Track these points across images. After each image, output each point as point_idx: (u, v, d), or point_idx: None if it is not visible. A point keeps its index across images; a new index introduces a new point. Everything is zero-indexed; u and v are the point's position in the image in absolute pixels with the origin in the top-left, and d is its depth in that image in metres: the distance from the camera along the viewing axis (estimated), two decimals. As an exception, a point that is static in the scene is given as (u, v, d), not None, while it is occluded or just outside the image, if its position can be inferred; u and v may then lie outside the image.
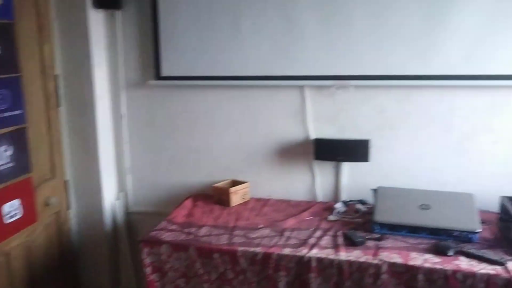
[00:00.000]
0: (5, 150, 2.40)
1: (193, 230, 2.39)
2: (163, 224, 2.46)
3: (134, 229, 3.09)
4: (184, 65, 2.80)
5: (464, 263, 1.97)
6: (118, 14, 2.85)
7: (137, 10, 2.84)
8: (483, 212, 2.40)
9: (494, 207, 2.40)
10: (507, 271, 1.91)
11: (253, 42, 2.67)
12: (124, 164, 3.02)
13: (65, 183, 2.90)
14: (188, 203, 2.76)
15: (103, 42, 2.88)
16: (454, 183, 2.56)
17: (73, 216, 2.96)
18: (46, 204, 2.71)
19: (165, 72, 2.83)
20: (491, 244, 2.15)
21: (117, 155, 3.02)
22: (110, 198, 2.99)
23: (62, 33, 2.75)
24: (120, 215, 3.03)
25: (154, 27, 2.78)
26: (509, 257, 2.00)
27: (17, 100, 2.46)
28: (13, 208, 2.46)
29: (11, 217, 2.45)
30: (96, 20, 2.81)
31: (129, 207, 3.08)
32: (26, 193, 2.54)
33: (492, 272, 1.90)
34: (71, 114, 2.85)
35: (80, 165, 2.90)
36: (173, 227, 2.43)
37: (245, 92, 2.78)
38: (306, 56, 2.62)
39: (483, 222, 2.27)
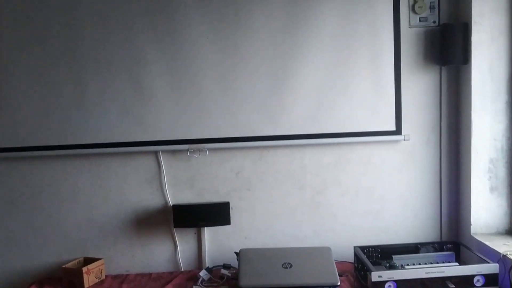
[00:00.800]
0: None
1: (37, 324, 2.06)
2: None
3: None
4: (23, 135, 2.51)
5: (328, 320, 2.00)
6: None
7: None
8: (340, 262, 2.51)
9: (350, 257, 2.51)
10: (367, 321, 1.97)
11: (101, 108, 2.52)
12: None
13: None
14: (32, 291, 2.40)
15: None
16: (312, 236, 2.65)
17: None
18: None
19: (-1, 143, 2.51)
20: (350, 295, 2.23)
21: None
22: None
23: None
24: None
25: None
26: (367, 307, 2.08)
27: None
28: None
29: None
30: None
31: (-47, 305, 2.58)
32: None
33: (354, 324, 1.95)
34: None
35: None
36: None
37: (94, 161, 2.58)
38: (159, 121, 2.55)
39: (341, 273, 2.37)
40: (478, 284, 2.16)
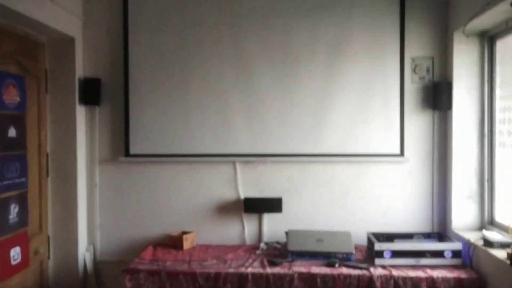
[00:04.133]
0: (14, 208, 3.19)
1: (160, 263, 3.29)
2: (136, 260, 3.34)
3: (101, 275, 3.85)
4: (147, 146, 3.82)
5: (344, 270, 3.12)
6: (97, 108, 3.84)
7: (111, 105, 3.86)
8: (357, 245, 3.60)
9: (365, 243, 3.61)
10: (370, 272, 3.08)
11: (200, 132, 3.79)
12: (94, 222, 3.84)
13: (48, 237, 3.64)
14: (150, 248, 3.65)
15: (84, 129, 3.82)
16: (338, 226, 3.76)
17: (51, 265, 3.67)
18: (35, 253, 3.43)
19: (132, 151, 3.83)
20: (361, 260, 3.34)
21: (89, 215, 3.84)
22: (82, 250, 3.76)
23: (54, 122, 3.67)
24: (89, 264, 3.78)
25: (126, 117, 3.81)
26: (371, 266, 3.18)
27: (23, 171, 3.30)
28: (16, 253, 3.19)
29: (14, 260, 3.17)
30: (80, 112, 3.78)
31: (97, 257, 3.86)
32: (24, 243, 3.28)
33: (360, 273, 3.07)
34: (56, 183, 3.68)
35: (60, 223, 3.68)
36: (144, 262, 3.32)
37: (193, 166, 3.85)
38: (237, 141, 3.80)
39: (356, 248, 3.48)
40: (447, 256, 3.22)
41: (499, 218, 3.40)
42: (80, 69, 3.78)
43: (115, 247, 3.88)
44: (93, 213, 3.85)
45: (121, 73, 3.82)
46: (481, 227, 3.54)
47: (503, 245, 2.94)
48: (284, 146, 3.79)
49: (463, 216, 3.58)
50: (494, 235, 3.14)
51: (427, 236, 3.57)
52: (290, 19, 3.76)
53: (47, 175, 3.64)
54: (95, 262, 3.86)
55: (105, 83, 3.83)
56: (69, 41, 3.68)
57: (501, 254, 2.86)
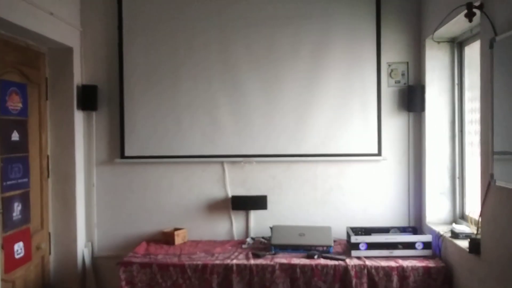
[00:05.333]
0: (18, 206, 3.46)
1: (152, 256, 3.55)
2: (130, 254, 3.60)
3: (99, 270, 4.10)
4: (141, 148, 4.08)
5: (322, 261, 3.37)
6: (94, 113, 4.11)
7: (107, 110, 4.13)
8: (338, 239, 3.84)
9: (344, 235, 3.85)
10: (346, 263, 3.32)
11: (190, 133, 4.05)
12: (92, 220, 4.10)
13: (49, 234, 3.91)
14: (144, 244, 3.90)
15: (82, 133, 4.09)
16: (321, 221, 4.00)
17: (52, 260, 3.93)
18: (38, 248, 3.69)
19: (127, 153, 4.09)
20: (340, 252, 3.58)
21: (87, 213, 4.11)
22: (81, 246, 4.02)
23: (54, 126, 3.94)
24: (87, 259, 4.04)
25: (121, 121, 4.07)
26: (348, 257, 3.42)
27: (25, 172, 3.57)
28: (19, 248, 3.45)
29: (18, 254, 3.43)
30: (78, 117, 4.04)
31: (94, 253, 4.11)
32: (26, 238, 3.54)
33: (337, 264, 3.31)
34: (56, 183, 3.94)
35: (60, 221, 3.94)
36: (138, 255, 3.57)
37: (184, 166, 4.11)
38: (225, 142, 4.05)
39: (336, 242, 3.73)
40: (418, 248, 3.46)
41: (469, 212, 3.63)
42: (78, 77, 4.04)
43: (112, 243, 4.13)
44: (91, 212, 4.11)
45: (116, 80, 4.09)
46: (453, 221, 3.77)
47: (467, 236, 3.17)
48: (269, 147, 4.04)
49: (437, 211, 3.82)
50: (462, 228, 3.38)
51: (402, 230, 3.81)
52: (274, 27, 4.02)
53: (48, 176, 3.91)
54: (93, 257, 4.11)
55: (101, 89, 4.10)
56: (67, 51, 3.94)
57: (464, 244, 3.09)
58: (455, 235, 3.29)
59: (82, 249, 4.04)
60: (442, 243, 3.41)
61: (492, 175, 2.62)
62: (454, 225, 3.51)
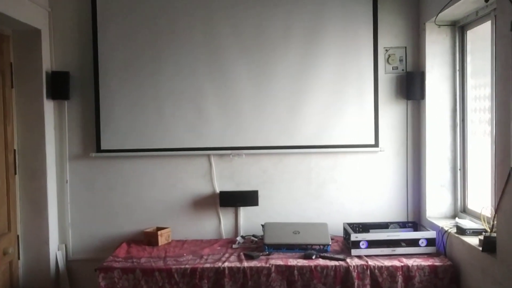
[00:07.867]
0: (-20, 207, 3.07)
1: (134, 260, 3.23)
2: (110, 258, 3.26)
3: (74, 274, 3.75)
4: (119, 141, 3.73)
5: (321, 262, 3.12)
6: (66, 102, 3.73)
7: (81, 99, 3.75)
8: (334, 236, 3.60)
9: (341, 233, 3.62)
10: (347, 263, 3.08)
11: (173, 125, 3.71)
12: (66, 220, 3.74)
13: (17, 237, 3.53)
14: (124, 245, 3.57)
15: (52, 124, 3.70)
16: (314, 217, 3.75)
17: (21, 266, 3.56)
18: (5, 254, 3.31)
19: (104, 146, 3.72)
20: (338, 251, 3.34)
21: (59, 213, 3.74)
22: (54, 249, 3.66)
23: (21, 117, 3.54)
24: (61, 263, 3.68)
25: (96, 112, 3.70)
26: (348, 256, 3.19)
27: (-11, 168, 3.18)
28: (-17, 255, 3.07)
29: (-18, 261, 3.06)
30: (48, 107, 3.65)
31: (69, 256, 3.76)
32: (-9, 243, 3.17)
33: (337, 264, 3.07)
34: (24, 180, 3.56)
35: (30, 222, 3.56)
36: (118, 259, 3.24)
37: (167, 160, 3.78)
38: (212, 134, 3.73)
39: (333, 240, 3.49)
40: (422, 245, 3.26)
41: (471, 205, 3.45)
42: (48, 62, 3.65)
43: (88, 245, 3.78)
44: (64, 211, 3.75)
45: (90, 66, 3.70)
46: (454, 215, 3.59)
47: (475, 232, 2.98)
48: (260, 138, 3.75)
49: (437, 204, 3.62)
50: (466, 223, 3.19)
51: (402, 225, 3.60)
52: (264, 9, 3.70)
53: (15, 173, 3.52)
54: (67, 261, 3.75)
55: (73, 76, 3.71)
56: (35, 33, 3.54)
57: (473, 241, 2.90)
58: (461, 231, 3.09)
59: (55, 252, 3.67)
60: (447, 240, 3.21)
61: (512, 168, 2.41)
62: (458, 220, 3.32)
